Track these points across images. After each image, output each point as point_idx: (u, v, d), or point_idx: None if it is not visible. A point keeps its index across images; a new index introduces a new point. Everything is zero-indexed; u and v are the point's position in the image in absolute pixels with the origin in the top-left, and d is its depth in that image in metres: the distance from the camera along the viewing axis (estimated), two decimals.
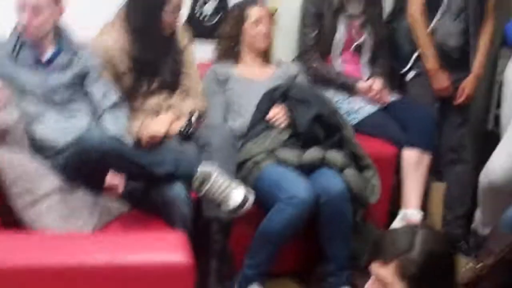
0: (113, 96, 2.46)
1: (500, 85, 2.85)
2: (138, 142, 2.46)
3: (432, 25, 2.94)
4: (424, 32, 2.93)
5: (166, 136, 2.48)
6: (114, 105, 2.44)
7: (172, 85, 2.61)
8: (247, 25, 2.78)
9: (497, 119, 2.94)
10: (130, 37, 2.51)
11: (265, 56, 2.87)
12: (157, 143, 2.46)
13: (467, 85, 3.00)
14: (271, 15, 2.87)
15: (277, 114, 2.60)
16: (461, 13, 2.93)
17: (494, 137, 2.83)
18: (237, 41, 2.81)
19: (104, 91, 2.44)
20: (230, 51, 2.83)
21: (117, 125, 2.40)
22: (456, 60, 2.98)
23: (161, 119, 2.52)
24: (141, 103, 2.55)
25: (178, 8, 2.53)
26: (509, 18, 2.74)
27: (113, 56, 2.48)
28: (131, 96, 2.54)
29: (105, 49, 2.47)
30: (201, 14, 2.99)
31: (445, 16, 2.93)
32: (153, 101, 2.56)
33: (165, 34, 2.55)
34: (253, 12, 2.79)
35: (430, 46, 2.93)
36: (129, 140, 2.40)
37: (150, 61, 2.55)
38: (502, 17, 2.96)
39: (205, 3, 2.98)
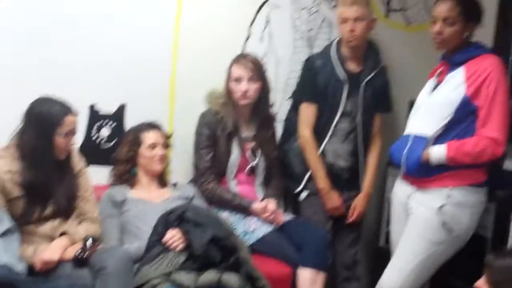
0: (5, 222, 2.66)
1: (389, 202, 3.33)
2: (32, 268, 2.67)
3: (322, 146, 3.45)
4: (315, 153, 3.43)
5: (60, 262, 2.70)
6: (6, 232, 2.64)
7: (67, 209, 2.88)
8: (143, 149, 3.17)
9: (388, 236, 3.37)
10: (23, 161, 2.79)
11: (161, 178, 3.26)
12: (51, 269, 2.68)
13: (358, 203, 3.50)
14: (167, 139, 3.27)
15: (173, 237, 2.87)
16: (349, 135, 3.47)
17: (386, 254, 3.24)
18: (133, 164, 3.18)
19: None
20: (126, 174, 3.19)
21: (9, 253, 2.60)
22: (346, 179, 3.50)
23: (55, 245, 2.75)
24: (34, 228, 2.79)
25: (71, 132, 2.85)
26: (394, 139, 3.25)
27: (5, 181, 2.74)
28: (24, 222, 2.77)
29: None
30: (97, 138, 3.35)
31: (333, 138, 3.46)
32: (47, 226, 2.81)
33: (59, 158, 2.85)
34: (148, 136, 3.19)
35: (321, 166, 3.43)
36: (22, 267, 2.61)
37: (43, 186, 2.81)
38: (388, 137, 3.50)
39: (101, 127, 3.35)
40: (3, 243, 2.61)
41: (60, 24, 3.23)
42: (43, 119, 2.81)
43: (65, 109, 2.84)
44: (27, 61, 3.17)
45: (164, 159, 3.24)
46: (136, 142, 3.20)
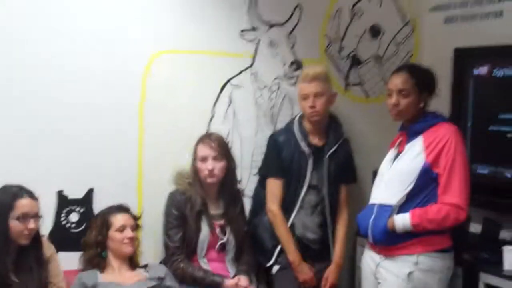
0: None
1: (360, 272, 3.39)
2: None
3: (290, 220, 3.53)
4: (284, 227, 3.51)
5: None
6: None
7: None
8: (112, 231, 3.22)
9: None
10: None
11: (132, 260, 3.29)
12: None
13: (330, 274, 3.56)
14: (136, 220, 3.32)
15: None
16: (316, 207, 3.58)
17: None
18: (103, 248, 3.22)
19: None
20: (96, 258, 3.22)
21: None
22: (316, 251, 3.57)
23: None
24: None
25: (26, 215, 2.86)
26: (361, 208, 3.33)
27: None
28: None
29: None
30: (66, 223, 3.39)
31: (301, 211, 3.55)
32: None
33: (21, 243, 2.86)
34: (117, 219, 3.25)
35: (291, 240, 3.50)
36: None
37: (5, 275, 2.80)
38: (355, 207, 3.59)
39: (70, 212, 3.40)
40: None
41: (26, 110, 3.29)
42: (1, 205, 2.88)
43: (17, 193, 2.89)
44: None
45: (134, 241, 3.28)
46: (105, 226, 3.25)
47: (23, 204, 2.87)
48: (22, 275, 2.87)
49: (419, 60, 4.10)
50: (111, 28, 3.46)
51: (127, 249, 3.25)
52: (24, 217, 2.86)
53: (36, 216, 2.91)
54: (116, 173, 3.50)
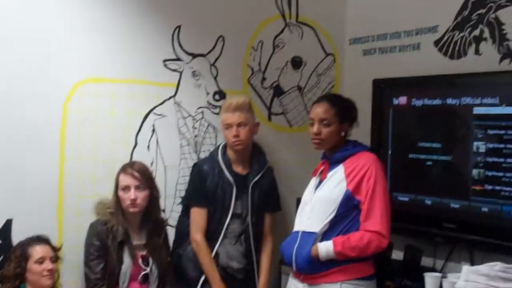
0: None
1: None
2: None
3: (215, 249, 3.54)
4: (208, 256, 3.52)
5: None
6: None
7: None
8: (31, 263, 3.14)
9: None
10: None
11: None
12: None
13: None
14: (56, 251, 3.25)
15: None
16: (240, 236, 3.60)
17: None
18: (21, 280, 3.14)
19: None
20: None
21: None
22: (241, 281, 3.59)
23: None
24: None
25: None
26: (285, 237, 3.35)
27: None
28: None
29: None
30: None
31: (225, 240, 3.57)
32: None
33: None
34: (36, 251, 3.17)
35: (215, 269, 3.51)
36: None
37: None
38: (279, 235, 3.63)
39: None
40: None
41: None
42: None
43: None
44: None
45: (53, 273, 3.21)
46: (24, 257, 3.16)
47: None
48: None
49: (340, 90, 4.22)
50: (34, 53, 3.42)
51: (47, 282, 3.17)
52: None
53: None
54: (35, 203, 3.42)
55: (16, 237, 3.33)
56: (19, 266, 3.15)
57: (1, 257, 3.31)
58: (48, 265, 3.18)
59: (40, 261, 3.16)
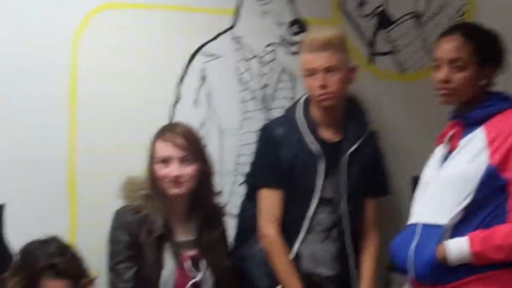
0: None
1: None
2: None
3: (295, 249, 3.61)
4: (285, 259, 3.58)
5: None
6: None
7: None
8: None
9: None
10: None
11: None
12: None
13: None
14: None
15: None
16: (331, 230, 3.66)
17: None
18: None
19: None
20: None
21: None
22: None
23: None
24: None
25: None
26: (395, 232, 3.42)
27: None
28: None
29: None
30: None
31: (310, 237, 3.63)
32: None
33: None
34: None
35: (295, 278, 3.57)
36: None
37: None
38: (387, 230, 3.71)
39: None
40: None
41: None
42: None
43: None
44: None
45: None
46: (31, 287, 3.18)
47: None
48: None
49: (478, 18, 4.12)
50: None
51: None
52: None
53: None
54: (36, 182, 3.54)
55: (12, 230, 3.45)
56: None
57: None
58: None
59: None
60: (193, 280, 3.47)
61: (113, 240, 3.46)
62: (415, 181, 3.46)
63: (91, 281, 3.30)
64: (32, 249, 3.26)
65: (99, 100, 3.67)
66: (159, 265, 3.43)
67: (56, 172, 3.59)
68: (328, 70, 3.56)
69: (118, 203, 3.53)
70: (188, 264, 3.48)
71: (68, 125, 3.61)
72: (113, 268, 3.43)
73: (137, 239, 3.43)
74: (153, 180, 3.49)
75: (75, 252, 3.29)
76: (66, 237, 3.45)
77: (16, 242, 3.32)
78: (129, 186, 3.54)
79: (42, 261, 3.19)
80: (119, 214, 3.49)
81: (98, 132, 3.66)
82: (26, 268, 3.21)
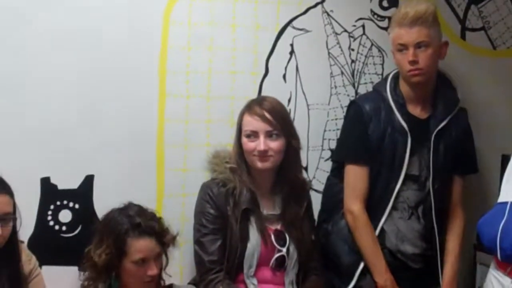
0: None
1: None
2: None
3: (379, 226, 3.61)
4: (370, 235, 3.58)
5: None
6: None
7: None
8: (127, 262, 3.25)
9: None
10: None
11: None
12: None
13: None
14: (164, 246, 3.34)
15: None
16: (417, 208, 3.64)
17: None
18: (114, 274, 3.29)
19: None
20: (102, 282, 3.29)
21: None
22: (417, 272, 3.63)
23: None
24: None
25: None
26: (483, 211, 3.37)
27: None
28: None
29: None
30: (55, 223, 3.52)
31: (395, 214, 3.62)
32: None
33: None
34: (136, 248, 3.25)
35: (380, 254, 3.57)
36: None
37: None
38: (475, 209, 3.67)
39: (60, 208, 3.53)
40: None
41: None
42: None
43: None
44: None
45: (156, 275, 3.31)
46: (119, 251, 3.27)
47: None
48: None
49: None
50: None
51: None
52: None
53: (7, 217, 2.95)
54: (125, 153, 3.62)
55: (100, 201, 3.55)
56: (111, 259, 3.25)
57: (79, 228, 3.54)
58: (151, 268, 3.27)
59: (141, 261, 3.26)
60: (278, 254, 3.49)
61: (200, 212, 3.51)
62: (505, 159, 3.41)
63: (174, 237, 3.39)
64: (112, 216, 3.36)
65: (188, 72, 3.71)
66: (244, 238, 3.46)
67: (145, 144, 3.67)
68: (419, 45, 3.52)
69: (205, 176, 3.59)
70: (273, 238, 3.50)
71: (158, 97, 3.67)
72: (199, 240, 3.49)
73: (223, 212, 3.47)
74: (240, 153, 3.52)
75: (154, 212, 3.38)
76: (153, 207, 3.51)
77: (104, 213, 3.38)
78: (216, 159, 3.58)
79: (124, 223, 3.29)
80: (206, 187, 3.54)
81: (187, 104, 3.71)
82: (110, 234, 3.29)
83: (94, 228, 3.37)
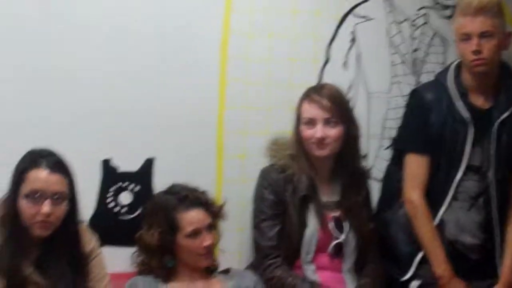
0: None
1: None
2: None
3: (439, 215, 3.60)
4: (429, 225, 3.58)
5: None
6: None
7: None
8: (181, 237, 3.30)
9: None
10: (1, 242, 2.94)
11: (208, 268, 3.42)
12: None
13: None
14: (214, 216, 3.40)
15: None
16: (477, 199, 3.62)
17: None
18: (169, 254, 3.33)
19: None
20: (158, 267, 3.33)
21: None
22: (476, 263, 3.62)
23: None
24: None
25: (40, 193, 2.90)
26: None
27: None
28: None
29: None
30: (114, 206, 3.56)
31: (455, 204, 3.61)
32: None
33: (35, 233, 2.93)
34: (188, 221, 3.30)
35: (439, 244, 3.57)
36: None
37: (19, 274, 2.91)
38: None
39: (120, 190, 3.56)
40: None
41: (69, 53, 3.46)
42: (12, 175, 2.96)
43: (35, 160, 2.95)
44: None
45: (211, 249, 3.37)
46: (171, 227, 3.32)
47: (35, 177, 2.92)
48: (51, 276, 2.97)
49: None
50: None
51: (203, 263, 3.36)
52: (34, 196, 2.91)
53: (59, 196, 2.95)
54: (186, 138, 3.65)
55: (159, 183, 3.55)
56: (164, 238, 3.30)
57: (139, 210, 3.55)
58: (205, 239, 3.31)
59: (194, 234, 3.30)
60: (336, 241, 3.51)
61: (259, 198, 3.54)
62: None
63: (221, 207, 3.45)
64: (158, 197, 3.45)
65: (249, 59, 3.73)
66: (302, 224, 3.48)
67: (205, 129, 3.69)
68: (483, 35, 3.49)
69: (264, 162, 3.60)
70: (331, 224, 3.51)
71: (218, 84, 3.69)
72: (257, 226, 3.51)
73: (282, 198, 3.49)
74: (299, 140, 3.53)
75: (197, 186, 3.42)
76: (213, 193, 3.56)
77: None
78: (276, 145, 3.60)
79: (172, 199, 3.35)
80: (265, 173, 3.56)
81: (248, 90, 3.74)
82: (159, 213, 3.35)
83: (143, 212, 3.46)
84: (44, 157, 2.95)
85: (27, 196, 2.89)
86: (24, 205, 2.90)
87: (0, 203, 3.00)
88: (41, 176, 2.91)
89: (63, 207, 2.96)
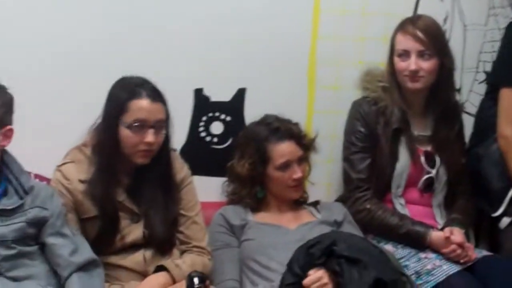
0: (85, 251, 2.85)
1: None
2: None
3: None
4: None
5: None
6: (87, 263, 2.82)
7: (163, 235, 3.07)
8: (271, 169, 3.33)
9: None
10: (95, 165, 3.01)
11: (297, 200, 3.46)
12: None
13: None
14: (305, 149, 3.42)
15: (318, 280, 2.92)
16: None
17: None
18: (259, 185, 3.39)
19: (72, 245, 2.83)
20: (248, 197, 3.39)
21: None
22: None
23: (149, 284, 2.94)
24: (119, 261, 3.01)
25: (143, 123, 2.94)
26: None
27: (78, 194, 2.96)
28: (104, 251, 2.98)
29: (67, 184, 2.97)
30: (206, 136, 3.61)
31: None
32: (137, 258, 3.02)
33: (136, 161, 3.00)
34: (278, 153, 3.33)
35: None
36: None
37: (115, 203, 3.00)
38: None
39: (212, 119, 3.60)
40: (83, 278, 2.79)
41: None
42: (109, 104, 3.01)
43: (135, 91, 2.97)
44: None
45: (302, 182, 3.40)
46: (261, 158, 3.35)
47: (139, 107, 2.95)
48: (143, 203, 3.05)
49: None
50: None
51: (293, 195, 3.40)
52: (137, 126, 2.94)
53: (160, 125, 3.00)
54: (278, 69, 3.65)
55: (250, 114, 3.58)
56: (255, 169, 3.34)
57: (230, 140, 3.60)
58: (295, 172, 3.33)
59: (284, 166, 3.32)
60: (427, 176, 3.50)
61: (350, 130, 3.54)
62: None
63: (313, 139, 3.48)
64: (250, 128, 3.48)
65: None
66: (394, 157, 3.47)
67: (297, 58, 3.70)
68: None
69: (356, 94, 3.60)
70: (423, 158, 3.50)
71: (312, 14, 3.67)
72: (348, 158, 3.52)
73: (373, 130, 3.49)
74: (392, 72, 3.50)
75: (289, 119, 3.43)
76: (303, 123, 3.58)
77: None
78: (368, 77, 3.57)
79: (264, 130, 3.38)
80: (357, 105, 3.55)
81: (341, 21, 3.71)
82: (251, 144, 3.38)
83: (235, 143, 3.50)
84: (140, 86, 2.98)
85: (129, 126, 2.92)
86: (127, 134, 2.94)
87: (91, 131, 3.06)
88: (143, 105, 2.95)
89: (163, 135, 3.02)
